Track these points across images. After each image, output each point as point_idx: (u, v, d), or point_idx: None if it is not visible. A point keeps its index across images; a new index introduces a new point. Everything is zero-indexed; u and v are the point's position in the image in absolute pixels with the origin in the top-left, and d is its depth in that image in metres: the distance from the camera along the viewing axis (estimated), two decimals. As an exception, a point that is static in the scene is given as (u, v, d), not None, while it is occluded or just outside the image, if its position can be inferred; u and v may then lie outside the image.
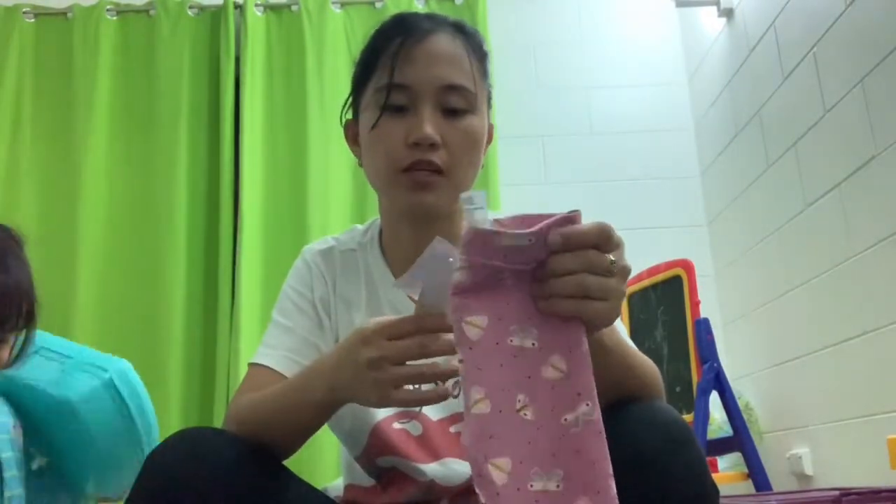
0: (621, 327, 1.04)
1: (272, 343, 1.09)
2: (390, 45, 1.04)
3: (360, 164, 1.12)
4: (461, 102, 1.04)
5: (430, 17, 1.09)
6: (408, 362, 0.81)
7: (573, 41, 3.17)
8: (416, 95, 1.02)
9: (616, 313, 0.76)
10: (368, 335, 0.81)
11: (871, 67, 1.94)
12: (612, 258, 0.74)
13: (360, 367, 0.81)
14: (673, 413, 0.85)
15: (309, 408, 0.91)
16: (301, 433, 0.95)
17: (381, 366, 0.80)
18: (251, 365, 1.09)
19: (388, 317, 0.82)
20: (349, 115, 1.15)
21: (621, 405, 0.85)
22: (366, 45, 1.09)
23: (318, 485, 1.08)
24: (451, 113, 1.03)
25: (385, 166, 1.04)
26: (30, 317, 1.35)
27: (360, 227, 1.21)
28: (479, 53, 1.09)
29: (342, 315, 1.11)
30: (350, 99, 1.13)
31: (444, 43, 1.04)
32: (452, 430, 1.06)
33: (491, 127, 1.14)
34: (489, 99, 1.12)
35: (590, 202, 2.99)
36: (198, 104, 2.95)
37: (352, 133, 1.14)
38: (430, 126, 1.01)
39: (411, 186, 1.02)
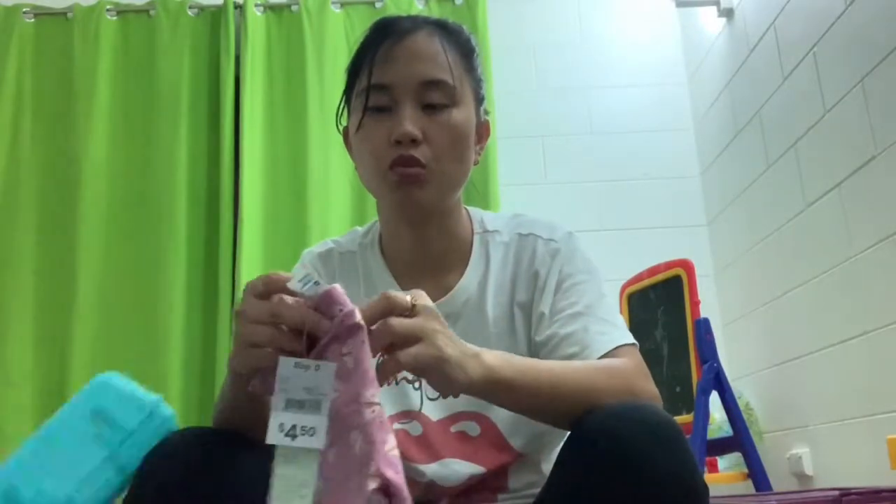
0: (603, 321, 1.03)
1: None
2: (370, 49, 1.05)
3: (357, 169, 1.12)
4: (441, 97, 1.04)
5: (410, 18, 1.09)
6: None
7: (573, 41, 3.17)
8: (395, 94, 1.03)
9: (440, 353, 0.78)
10: (243, 294, 0.80)
11: (871, 67, 1.94)
12: (412, 300, 0.79)
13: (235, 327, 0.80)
14: (660, 411, 0.84)
15: (239, 393, 0.89)
16: (252, 419, 0.92)
17: (239, 320, 0.79)
18: None
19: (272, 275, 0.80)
20: (345, 122, 1.16)
21: (604, 407, 0.84)
22: (354, 51, 1.10)
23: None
24: (432, 109, 1.04)
25: (372, 166, 1.05)
26: None
27: (360, 229, 1.21)
28: (461, 48, 1.09)
29: None
30: (342, 106, 1.14)
31: (421, 41, 1.05)
32: (453, 429, 1.06)
33: (486, 123, 1.14)
34: (478, 94, 1.12)
35: (590, 202, 2.99)
36: (198, 104, 2.95)
37: (349, 140, 1.14)
38: (409, 123, 1.01)
39: (398, 182, 1.03)
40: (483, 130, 1.14)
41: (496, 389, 0.85)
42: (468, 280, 1.10)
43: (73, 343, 2.69)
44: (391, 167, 1.02)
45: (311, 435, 0.73)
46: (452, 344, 0.81)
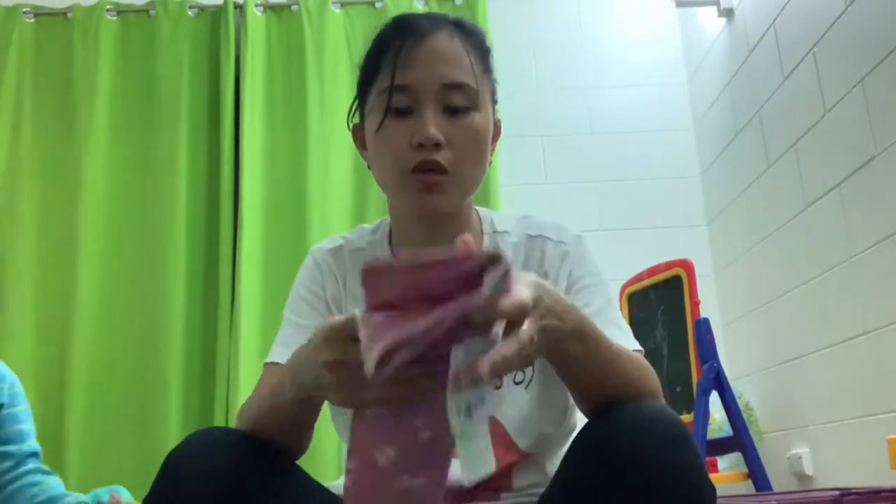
0: (613, 325, 1.04)
1: (286, 341, 1.09)
2: (391, 48, 1.05)
3: (369, 168, 1.12)
4: (463, 100, 1.04)
5: (429, 17, 1.09)
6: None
7: (573, 41, 3.17)
8: (418, 96, 1.03)
9: (541, 350, 0.78)
10: (331, 335, 0.76)
11: (871, 67, 1.94)
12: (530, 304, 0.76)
13: (319, 369, 0.77)
14: (670, 412, 0.85)
15: (286, 406, 0.90)
16: (292, 429, 0.95)
17: (338, 368, 0.76)
18: (266, 364, 1.09)
19: (353, 314, 0.76)
20: (356, 119, 1.15)
21: (617, 405, 0.86)
22: (367, 48, 1.10)
23: (319, 485, 1.08)
24: (454, 112, 1.03)
25: (392, 168, 1.04)
26: None
27: (367, 226, 1.21)
28: (479, 49, 1.09)
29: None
30: (356, 103, 1.13)
31: (443, 42, 1.05)
32: None
33: (498, 122, 1.14)
34: (494, 94, 1.12)
35: (590, 202, 2.99)
36: (198, 104, 2.95)
37: (360, 137, 1.14)
38: (433, 126, 1.01)
39: (420, 189, 1.03)
40: (496, 131, 1.14)
41: (560, 362, 0.88)
42: None
43: (73, 343, 2.68)
44: (413, 171, 1.02)
45: (482, 405, 0.72)
46: (550, 335, 0.80)
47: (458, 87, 1.03)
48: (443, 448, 0.76)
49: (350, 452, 0.78)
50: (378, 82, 1.06)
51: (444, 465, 0.77)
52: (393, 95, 1.03)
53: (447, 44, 1.05)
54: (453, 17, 1.11)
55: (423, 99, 1.02)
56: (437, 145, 1.01)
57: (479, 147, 1.05)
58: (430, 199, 1.03)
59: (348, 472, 0.78)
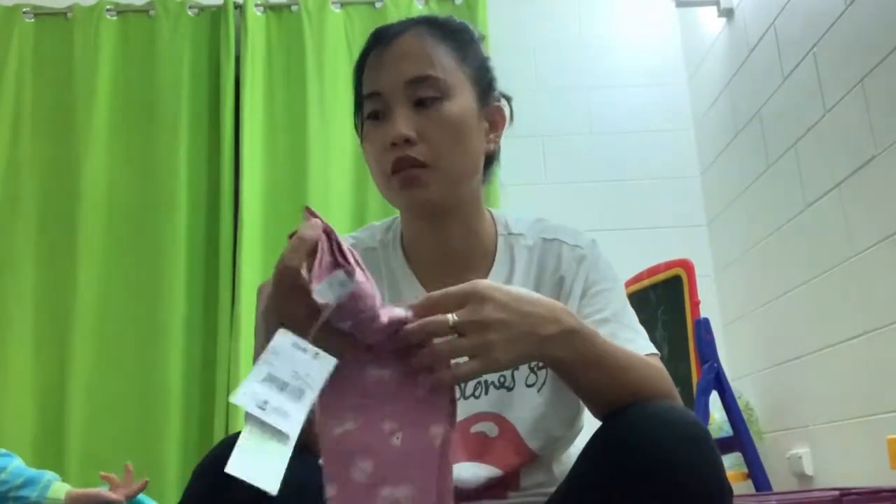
0: (628, 329, 1.04)
1: None
2: (363, 59, 1.09)
3: None
4: (430, 91, 1.04)
5: (401, 22, 1.11)
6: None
7: (573, 41, 3.16)
8: (387, 99, 1.05)
9: (488, 366, 0.82)
10: (297, 243, 0.85)
11: (871, 67, 1.94)
12: (455, 317, 0.81)
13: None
14: (689, 413, 0.85)
15: None
16: None
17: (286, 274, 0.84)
18: None
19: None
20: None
21: (634, 405, 0.86)
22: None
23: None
24: (423, 105, 1.04)
25: (377, 173, 1.07)
26: None
27: (377, 224, 1.21)
28: (452, 39, 1.09)
29: None
30: (357, 120, 1.15)
31: (406, 41, 1.06)
32: (472, 430, 1.06)
33: (499, 109, 1.14)
34: (481, 81, 1.11)
35: (590, 202, 2.99)
36: (198, 104, 2.95)
37: None
38: (402, 124, 1.02)
39: (400, 186, 1.04)
40: (497, 117, 1.14)
41: (561, 374, 0.91)
42: (493, 281, 1.10)
43: (73, 343, 2.68)
44: (393, 172, 1.03)
45: (283, 418, 0.68)
46: (512, 345, 0.82)
47: (423, 79, 1.04)
48: (425, 448, 0.76)
49: (326, 479, 0.76)
50: (359, 94, 1.09)
51: (429, 467, 0.76)
52: (366, 103, 1.06)
53: (410, 42, 1.06)
54: (428, 15, 1.13)
55: (392, 100, 1.04)
56: (408, 141, 1.02)
57: (457, 135, 1.05)
58: (411, 194, 1.03)
59: (329, 501, 0.76)
